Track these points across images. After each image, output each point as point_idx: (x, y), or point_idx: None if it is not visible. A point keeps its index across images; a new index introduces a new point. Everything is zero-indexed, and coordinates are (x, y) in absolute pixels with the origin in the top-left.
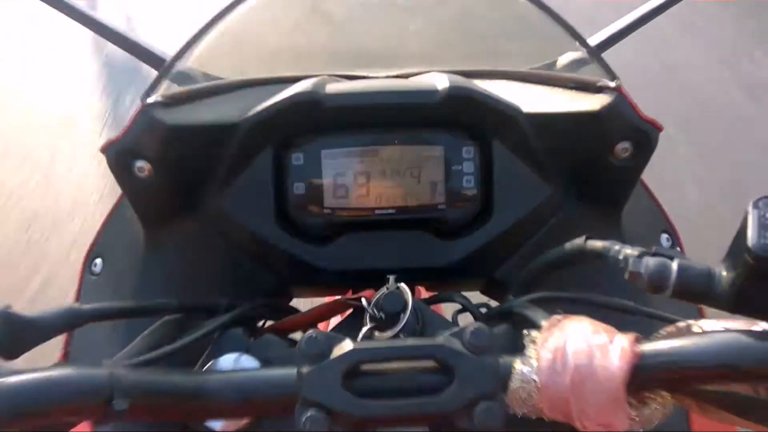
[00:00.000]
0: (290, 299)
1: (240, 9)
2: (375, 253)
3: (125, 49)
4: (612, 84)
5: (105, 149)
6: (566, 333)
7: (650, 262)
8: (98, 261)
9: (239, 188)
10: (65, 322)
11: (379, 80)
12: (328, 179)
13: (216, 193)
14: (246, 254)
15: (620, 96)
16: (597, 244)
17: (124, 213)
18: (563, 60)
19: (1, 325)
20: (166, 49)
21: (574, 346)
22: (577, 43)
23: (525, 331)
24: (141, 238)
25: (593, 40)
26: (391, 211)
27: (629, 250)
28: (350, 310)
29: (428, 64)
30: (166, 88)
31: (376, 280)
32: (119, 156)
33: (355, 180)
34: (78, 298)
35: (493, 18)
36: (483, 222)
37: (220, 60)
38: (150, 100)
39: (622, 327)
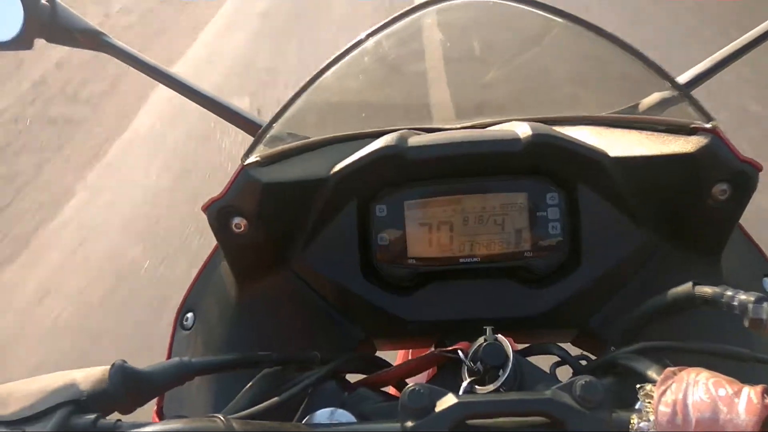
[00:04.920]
0: (374, 352)
1: (326, 73)
2: (460, 303)
3: (219, 115)
4: (707, 125)
5: (207, 208)
6: (685, 385)
7: None
8: (189, 315)
9: (326, 241)
10: (177, 376)
11: (459, 131)
12: (412, 229)
13: (303, 247)
14: (332, 307)
15: (716, 137)
16: (706, 289)
17: (213, 270)
18: (648, 101)
19: (119, 380)
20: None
21: (695, 399)
22: (665, 83)
23: (638, 385)
24: (232, 293)
25: (681, 79)
26: (475, 259)
27: (744, 296)
28: (436, 365)
29: (506, 113)
30: (261, 149)
31: (460, 331)
32: (220, 213)
33: (438, 229)
34: (170, 351)
35: (571, 62)
36: (572, 269)
37: (306, 120)
38: (248, 161)
39: (735, 376)
